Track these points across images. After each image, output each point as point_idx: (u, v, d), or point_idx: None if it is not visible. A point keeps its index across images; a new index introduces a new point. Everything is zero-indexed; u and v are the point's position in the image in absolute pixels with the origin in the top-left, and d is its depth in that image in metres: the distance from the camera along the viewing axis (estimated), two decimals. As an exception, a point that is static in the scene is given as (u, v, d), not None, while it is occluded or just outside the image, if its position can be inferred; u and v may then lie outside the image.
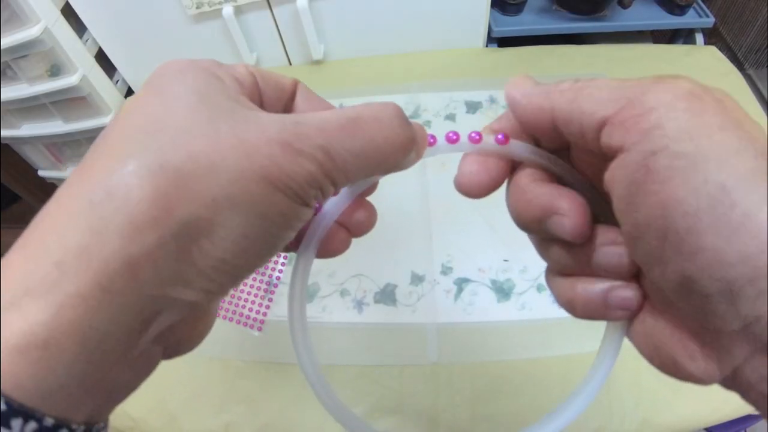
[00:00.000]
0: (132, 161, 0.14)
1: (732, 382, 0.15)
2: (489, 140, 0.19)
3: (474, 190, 0.20)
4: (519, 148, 0.19)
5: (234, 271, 0.15)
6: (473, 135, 0.19)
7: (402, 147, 0.17)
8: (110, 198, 0.13)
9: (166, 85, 0.16)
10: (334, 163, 0.16)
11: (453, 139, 0.19)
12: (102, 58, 0.75)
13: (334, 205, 0.19)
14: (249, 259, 0.15)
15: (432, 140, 0.19)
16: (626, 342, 0.19)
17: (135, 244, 0.13)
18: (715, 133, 0.13)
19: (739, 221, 0.13)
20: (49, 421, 0.12)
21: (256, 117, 0.16)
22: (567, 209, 0.17)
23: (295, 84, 0.20)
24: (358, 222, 0.21)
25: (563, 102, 0.17)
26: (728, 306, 0.13)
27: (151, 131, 0.14)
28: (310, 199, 0.16)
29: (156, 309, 0.14)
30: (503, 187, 0.21)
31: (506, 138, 0.19)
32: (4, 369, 0.12)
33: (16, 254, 0.13)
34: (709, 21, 0.73)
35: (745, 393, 0.15)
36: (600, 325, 0.20)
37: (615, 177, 0.15)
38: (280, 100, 0.20)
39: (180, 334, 0.16)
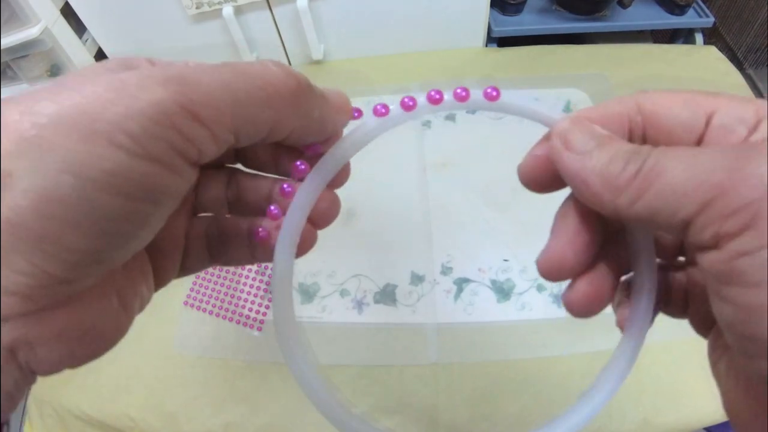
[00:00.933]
0: None
1: None
2: (477, 96, 0.18)
3: (530, 180, 0.18)
4: (513, 99, 0.17)
5: (50, 249, 0.12)
6: (459, 91, 0.17)
7: (284, 86, 0.15)
8: None
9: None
10: (194, 92, 0.12)
11: (435, 98, 0.17)
12: (102, 58, 0.74)
13: (304, 195, 0.17)
14: (67, 232, 0.12)
15: (411, 102, 0.17)
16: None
17: None
18: None
19: None
20: None
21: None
22: (550, 246, 0.17)
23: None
24: (320, 212, 0.19)
25: (629, 199, 0.14)
26: None
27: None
28: (162, 150, 0.12)
29: None
30: (503, 186, 0.20)
31: (496, 92, 0.17)
32: None
33: None
34: (709, 21, 0.73)
35: None
36: (600, 326, 0.19)
37: (700, 266, 0.13)
38: None
39: (36, 350, 0.13)
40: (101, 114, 0.11)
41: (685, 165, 0.13)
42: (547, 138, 0.17)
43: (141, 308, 0.17)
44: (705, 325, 0.17)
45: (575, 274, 0.17)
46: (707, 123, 0.15)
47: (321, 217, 0.19)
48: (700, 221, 0.12)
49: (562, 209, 0.17)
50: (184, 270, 0.20)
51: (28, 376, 0.14)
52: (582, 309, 0.17)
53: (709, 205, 0.12)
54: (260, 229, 0.18)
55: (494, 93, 0.17)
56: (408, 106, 0.17)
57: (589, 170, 0.15)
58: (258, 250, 0.19)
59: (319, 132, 0.17)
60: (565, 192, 0.17)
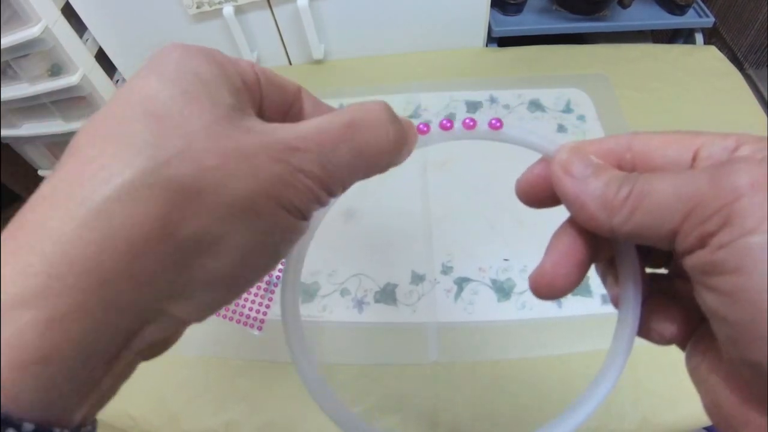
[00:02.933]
0: (135, 167, 0.13)
1: None
2: (483, 126, 0.19)
3: (526, 196, 0.20)
4: (514, 131, 0.19)
5: (233, 284, 0.15)
6: (467, 121, 0.19)
7: (394, 148, 0.18)
8: (113, 208, 0.12)
9: (168, 66, 0.15)
10: (331, 177, 0.16)
11: (447, 126, 0.19)
12: (102, 58, 0.75)
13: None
14: (250, 273, 0.16)
15: (425, 128, 0.19)
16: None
17: (138, 260, 0.13)
18: None
19: None
20: (28, 427, 0.12)
21: (258, 128, 0.15)
22: (544, 263, 0.18)
23: (299, 89, 0.20)
24: None
25: (623, 218, 0.15)
26: None
27: (153, 128, 0.13)
28: (310, 213, 0.16)
29: (147, 320, 0.14)
30: (503, 186, 0.21)
31: (500, 123, 0.19)
32: (4, 385, 0.11)
33: (3, 261, 0.12)
34: (709, 21, 0.73)
35: None
36: (600, 326, 0.20)
37: (687, 266, 0.15)
38: (283, 104, 0.19)
39: (158, 341, 0.16)
40: (283, 194, 0.15)
41: (669, 183, 0.15)
42: (544, 160, 0.19)
43: None
44: (685, 335, 0.18)
45: (564, 292, 0.18)
46: (694, 156, 0.16)
47: None
48: (685, 228, 0.14)
49: (557, 232, 0.19)
50: None
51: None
52: (546, 290, 0.18)
53: (691, 213, 0.14)
54: None
55: (498, 124, 0.19)
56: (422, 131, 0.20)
57: (587, 194, 0.16)
58: None
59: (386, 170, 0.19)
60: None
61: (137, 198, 0.13)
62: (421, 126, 0.19)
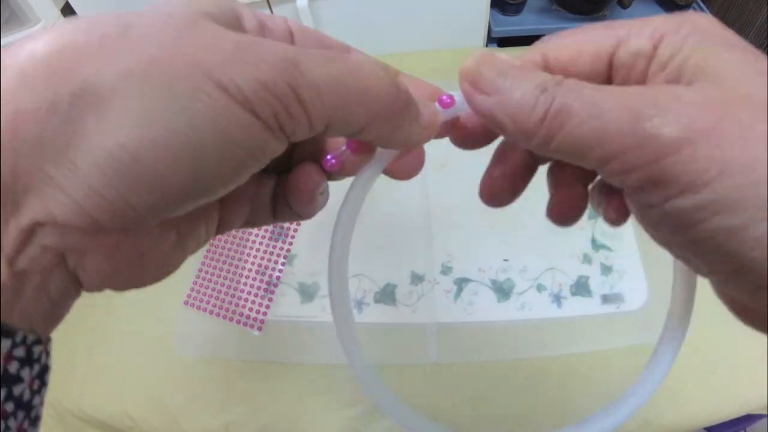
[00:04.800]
0: (68, 21, 0.13)
1: None
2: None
3: (496, 197, 0.19)
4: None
5: (142, 175, 0.12)
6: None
7: (386, 94, 0.15)
8: (23, 45, 0.12)
9: None
10: (303, 77, 0.13)
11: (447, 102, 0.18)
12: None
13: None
14: (163, 159, 0.12)
15: (449, 100, 0.18)
16: (619, 344, 0.19)
17: (27, 96, 0.11)
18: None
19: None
20: None
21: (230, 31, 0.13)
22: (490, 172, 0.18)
23: (347, 48, 0.19)
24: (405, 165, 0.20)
25: (541, 141, 0.14)
26: None
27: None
28: (267, 114, 0.13)
29: (27, 186, 0.12)
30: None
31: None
32: None
33: None
34: (709, 21, 0.73)
35: None
36: (600, 326, 0.20)
37: (632, 207, 0.15)
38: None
39: (85, 258, 0.13)
40: (220, 65, 0.12)
41: (588, 116, 0.13)
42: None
43: (196, 249, 0.17)
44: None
45: (510, 198, 0.19)
46: (610, 63, 0.16)
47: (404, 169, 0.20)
48: (608, 169, 0.14)
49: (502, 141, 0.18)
50: (248, 224, 0.20)
51: (74, 286, 0.14)
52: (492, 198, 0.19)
53: (613, 158, 0.13)
54: (329, 157, 0.18)
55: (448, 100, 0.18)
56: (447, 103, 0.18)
57: (501, 113, 0.15)
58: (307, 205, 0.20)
59: (399, 144, 0.17)
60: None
61: (44, 37, 0.12)
62: (444, 97, 0.18)
